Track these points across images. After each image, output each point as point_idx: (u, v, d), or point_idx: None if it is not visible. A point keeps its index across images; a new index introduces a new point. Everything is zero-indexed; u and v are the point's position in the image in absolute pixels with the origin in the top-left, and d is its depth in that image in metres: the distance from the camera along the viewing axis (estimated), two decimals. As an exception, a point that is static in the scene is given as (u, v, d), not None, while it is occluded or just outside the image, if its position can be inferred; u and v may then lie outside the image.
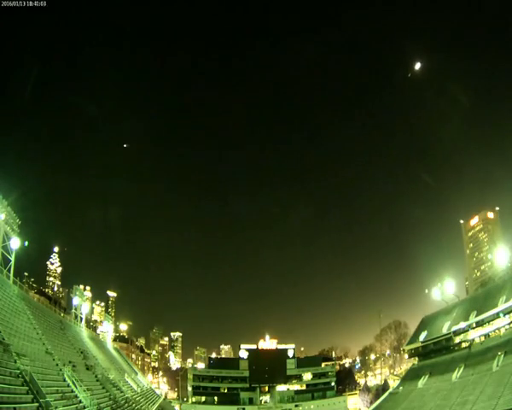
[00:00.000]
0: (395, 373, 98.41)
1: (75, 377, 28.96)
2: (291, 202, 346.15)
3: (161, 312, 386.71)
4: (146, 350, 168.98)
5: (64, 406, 22.93)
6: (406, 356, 78.73)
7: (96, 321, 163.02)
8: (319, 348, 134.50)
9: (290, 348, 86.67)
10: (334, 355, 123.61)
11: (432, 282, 67.01)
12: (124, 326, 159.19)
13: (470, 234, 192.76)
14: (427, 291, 67.94)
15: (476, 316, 50.34)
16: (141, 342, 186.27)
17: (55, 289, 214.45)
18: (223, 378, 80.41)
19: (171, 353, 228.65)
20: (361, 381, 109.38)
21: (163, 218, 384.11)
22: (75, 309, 56.39)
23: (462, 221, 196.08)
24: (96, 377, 36.95)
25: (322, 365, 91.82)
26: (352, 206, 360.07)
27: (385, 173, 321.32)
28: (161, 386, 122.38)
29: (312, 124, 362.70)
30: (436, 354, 56.38)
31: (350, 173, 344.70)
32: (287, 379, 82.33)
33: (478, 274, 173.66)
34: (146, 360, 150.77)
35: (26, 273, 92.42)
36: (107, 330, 77.89)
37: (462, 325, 51.75)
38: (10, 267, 36.40)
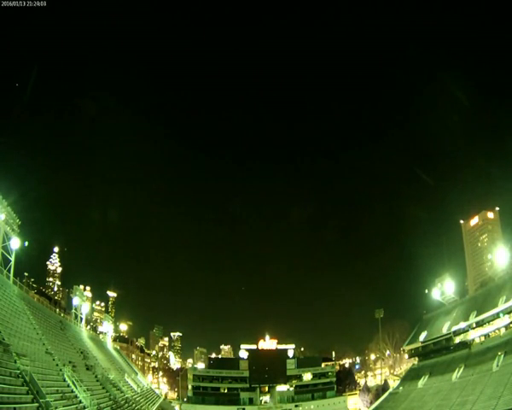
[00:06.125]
0: (395, 373, 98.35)
1: (75, 377, 28.97)
2: (291, 202, 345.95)
3: (161, 312, 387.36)
4: (146, 350, 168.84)
5: (64, 406, 22.95)
6: (406, 356, 78.73)
7: (96, 321, 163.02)
8: (319, 348, 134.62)
9: (290, 349, 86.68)
10: (333, 355, 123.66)
11: (432, 282, 67.05)
12: (124, 326, 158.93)
13: (470, 234, 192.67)
14: (427, 291, 68.00)
15: (476, 316, 50.37)
16: (141, 342, 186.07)
17: (55, 289, 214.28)
18: (223, 378, 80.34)
19: (171, 353, 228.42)
20: (361, 381, 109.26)
21: (163, 218, 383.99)
22: (75, 309, 56.39)
23: (462, 221, 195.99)
24: (95, 377, 36.96)
25: (322, 365, 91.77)
26: (351, 206, 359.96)
27: (384, 173, 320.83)
28: (161, 386, 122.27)
29: (311, 124, 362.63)
30: (436, 354, 56.42)
31: (349, 174, 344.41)
32: (287, 379, 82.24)
33: (478, 274, 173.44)
34: (146, 360, 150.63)
35: (26, 273, 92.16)
36: (107, 330, 77.87)
37: (462, 325, 51.77)
38: (10, 267, 36.38)
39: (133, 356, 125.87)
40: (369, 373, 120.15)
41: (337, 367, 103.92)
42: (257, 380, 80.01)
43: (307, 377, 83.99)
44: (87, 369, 37.16)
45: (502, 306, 45.68)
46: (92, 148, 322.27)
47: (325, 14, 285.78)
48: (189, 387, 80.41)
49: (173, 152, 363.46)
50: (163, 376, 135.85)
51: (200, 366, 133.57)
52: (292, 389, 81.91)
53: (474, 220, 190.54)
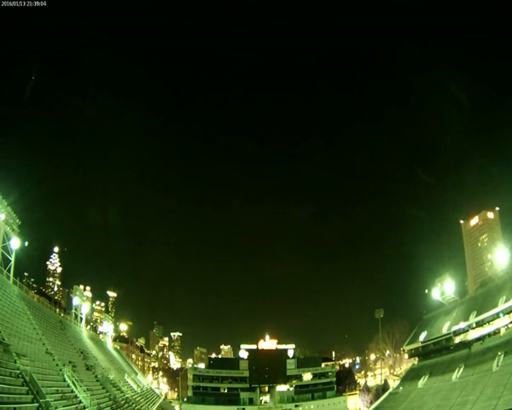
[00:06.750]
0: (395, 373, 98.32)
1: (75, 377, 28.97)
2: (291, 202, 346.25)
3: (161, 312, 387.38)
4: (146, 350, 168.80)
5: (64, 406, 22.95)
6: (406, 356, 78.68)
7: (96, 321, 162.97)
8: (319, 348, 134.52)
9: (290, 349, 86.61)
10: (333, 355, 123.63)
11: (432, 282, 67.02)
12: (124, 326, 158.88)
13: (470, 234, 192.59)
14: (427, 291, 67.96)
15: (476, 316, 50.36)
16: (141, 342, 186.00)
17: (55, 289, 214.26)
18: (223, 378, 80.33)
19: (171, 353, 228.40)
20: (361, 381, 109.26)
21: (163, 218, 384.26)
22: (75, 309, 56.39)
23: (462, 221, 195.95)
24: (96, 377, 36.96)
25: (322, 365, 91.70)
26: (351, 206, 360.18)
27: (384, 172, 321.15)
28: (161, 386, 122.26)
29: (311, 123, 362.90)
30: (436, 355, 56.40)
31: (349, 172, 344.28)
32: (287, 379, 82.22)
33: (478, 274, 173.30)
34: (146, 360, 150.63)
35: (26, 273, 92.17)
36: (107, 330, 77.85)
37: (462, 325, 51.76)
38: (10, 267, 36.38)
39: (133, 356, 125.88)
40: (369, 373, 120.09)
41: (337, 367, 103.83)
42: (257, 380, 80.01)
43: (307, 377, 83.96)
44: (87, 369, 37.16)
45: (502, 306, 45.67)
46: (92, 148, 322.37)
47: (325, 12, 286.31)
48: (189, 387, 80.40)
49: (173, 153, 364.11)
50: (163, 376, 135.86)
51: (201, 366, 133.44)
52: (292, 389, 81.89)
53: (474, 220, 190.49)
